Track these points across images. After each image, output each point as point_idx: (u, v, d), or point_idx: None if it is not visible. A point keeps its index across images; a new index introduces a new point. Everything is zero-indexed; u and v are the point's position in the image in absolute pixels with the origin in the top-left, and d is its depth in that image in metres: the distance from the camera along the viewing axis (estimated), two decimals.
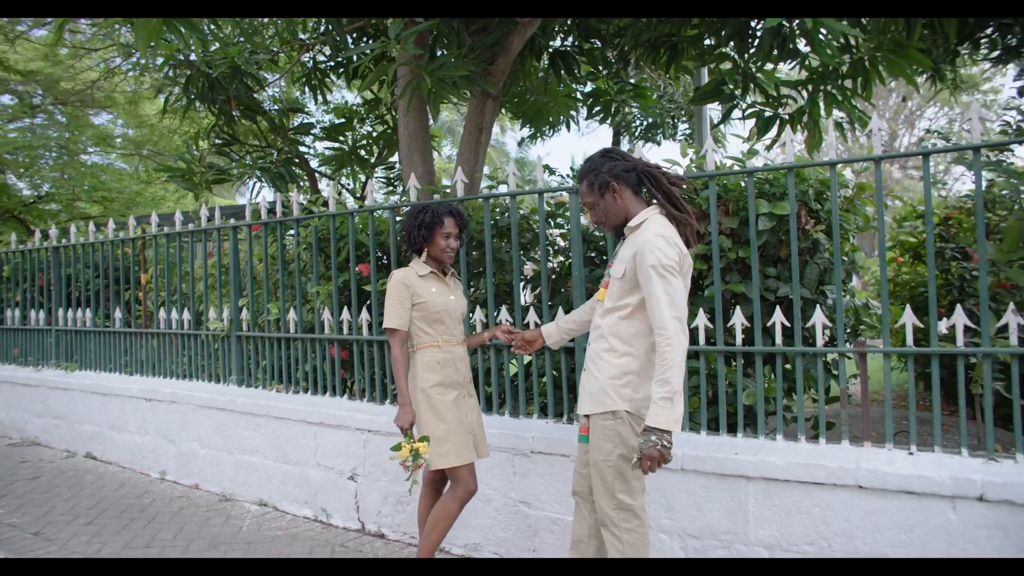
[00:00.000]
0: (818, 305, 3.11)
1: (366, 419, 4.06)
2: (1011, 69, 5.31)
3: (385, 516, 4.00)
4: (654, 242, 2.40)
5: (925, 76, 5.89)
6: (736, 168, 3.32)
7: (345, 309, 4.39)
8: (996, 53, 5.57)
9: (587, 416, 2.59)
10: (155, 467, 5.23)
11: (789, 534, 2.88)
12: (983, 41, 5.55)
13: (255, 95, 6.54)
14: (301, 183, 6.53)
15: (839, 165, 3.12)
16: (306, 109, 7.37)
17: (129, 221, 5.74)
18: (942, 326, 2.86)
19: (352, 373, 4.65)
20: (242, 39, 5.81)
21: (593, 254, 4.11)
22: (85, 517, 4.31)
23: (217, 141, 6.33)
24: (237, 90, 5.88)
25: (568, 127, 6.80)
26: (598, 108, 6.31)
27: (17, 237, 7.00)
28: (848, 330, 3.71)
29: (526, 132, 8.08)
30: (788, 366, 3.45)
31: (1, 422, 6.66)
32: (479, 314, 3.95)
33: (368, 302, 4.40)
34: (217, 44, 6.02)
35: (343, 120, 7.23)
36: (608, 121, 6.29)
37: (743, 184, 3.54)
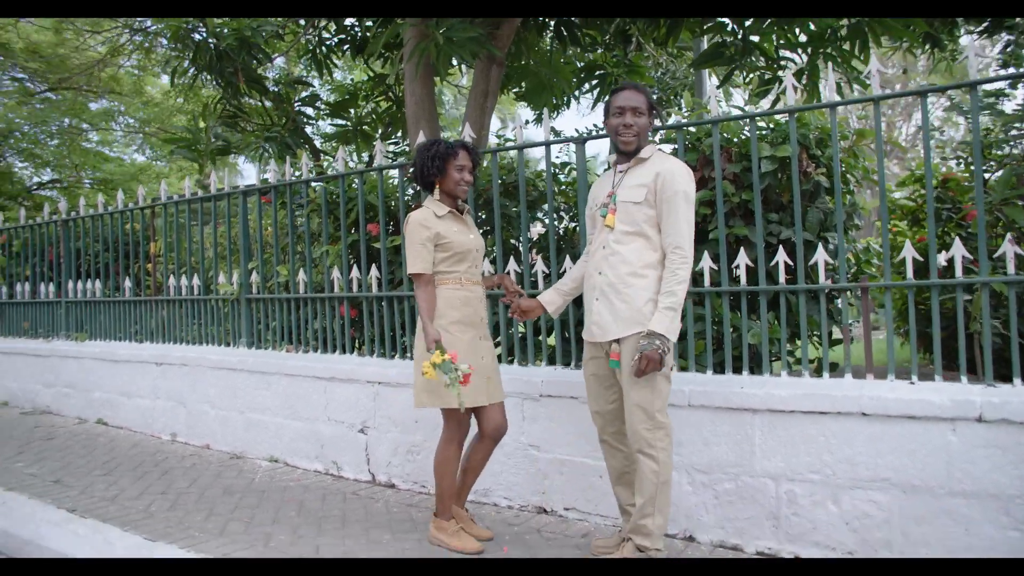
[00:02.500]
0: (820, 244, 3.19)
1: (376, 372, 4.14)
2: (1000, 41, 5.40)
3: (395, 467, 4.07)
4: (682, 170, 2.67)
5: (922, 51, 5.98)
6: (738, 114, 3.40)
7: (355, 268, 4.46)
8: (985, 24, 5.66)
9: (617, 342, 2.70)
10: (166, 430, 5.30)
11: (795, 464, 2.96)
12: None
13: (260, 71, 6.62)
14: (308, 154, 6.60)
15: (839, 109, 3.20)
16: (311, 80, 7.43)
17: (139, 191, 5.80)
18: (941, 259, 2.95)
19: (361, 332, 4.73)
20: None
21: None
22: (101, 469, 4.39)
23: (223, 114, 6.40)
24: (244, 62, 5.95)
25: (569, 103, 6.88)
26: (595, 82, 6.36)
27: (26, 213, 7.08)
28: (850, 273, 3.79)
29: (529, 115, 8.13)
30: (792, 310, 3.54)
31: (13, 393, 6.73)
32: (487, 267, 4.03)
33: (376, 261, 4.48)
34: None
35: (347, 97, 7.31)
36: (604, 98, 6.35)
37: (744, 136, 3.63)
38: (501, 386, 3.21)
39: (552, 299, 3.13)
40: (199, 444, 5.05)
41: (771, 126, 3.50)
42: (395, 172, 4.54)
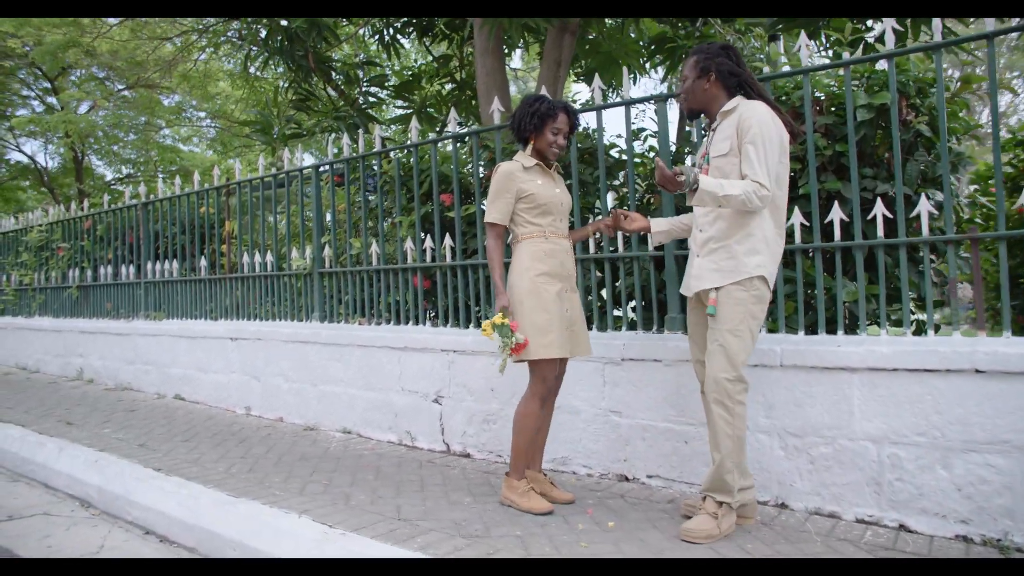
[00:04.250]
0: (923, 194, 2.99)
1: (451, 340, 4.10)
2: None
3: (471, 436, 4.03)
4: (758, 112, 2.62)
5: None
6: (831, 62, 3.23)
7: (428, 238, 4.44)
8: None
9: (716, 289, 2.68)
10: (240, 403, 5.39)
11: (898, 425, 2.78)
12: None
13: (328, 53, 6.69)
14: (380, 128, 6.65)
15: (943, 50, 3.00)
16: (379, 62, 7.46)
17: (214, 171, 5.93)
18: None
19: (434, 304, 4.71)
20: None
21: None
22: (182, 437, 4.48)
23: (294, 98, 6.48)
24: (314, 43, 6.01)
25: (635, 80, 6.75)
26: (662, 56, 6.19)
27: (110, 199, 7.33)
28: (957, 225, 3.54)
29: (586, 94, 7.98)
30: (889, 271, 3.34)
31: (97, 371, 6.98)
32: None
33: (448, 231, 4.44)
34: None
35: (410, 78, 7.33)
36: (676, 70, 6.18)
37: (834, 89, 3.44)
38: (587, 339, 3.16)
39: (661, 225, 3.10)
40: (273, 417, 5.11)
41: (866, 75, 3.31)
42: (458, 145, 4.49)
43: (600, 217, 3.66)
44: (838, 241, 3.11)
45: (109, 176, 14.57)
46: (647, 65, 6.35)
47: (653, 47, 6.03)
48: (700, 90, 2.78)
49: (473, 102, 7.47)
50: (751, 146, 2.57)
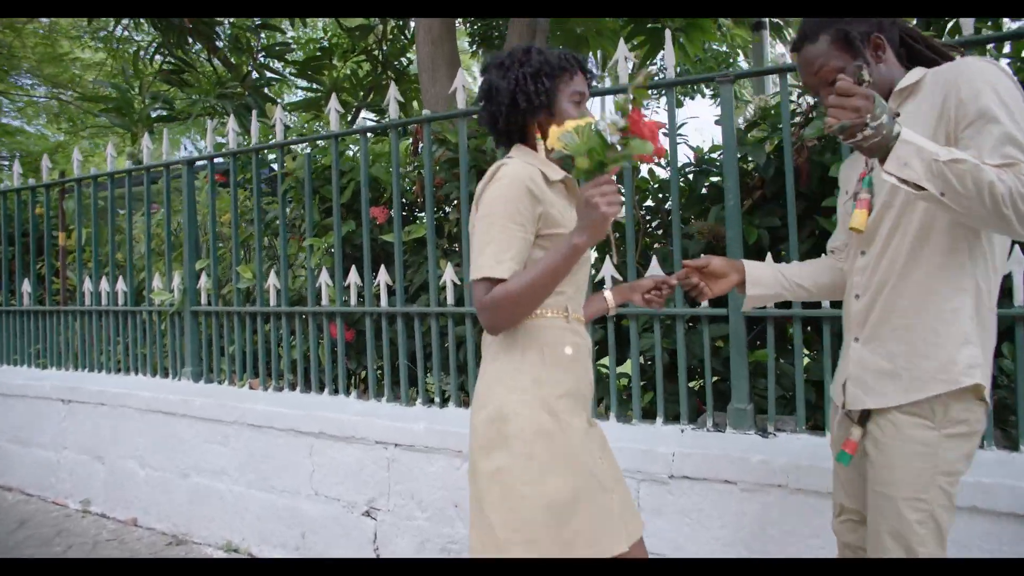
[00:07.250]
0: None
1: (391, 428, 2.76)
2: None
3: None
4: (980, 68, 1.33)
5: None
6: None
7: (353, 270, 3.07)
8: None
9: (868, 417, 1.48)
10: (74, 495, 3.80)
11: None
12: None
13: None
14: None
15: None
16: (278, 27, 5.90)
17: (42, 162, 4.27)
18: None
19: (362, 362, 3.34)
20: None
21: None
22: None
23: (164, 67, 4.88)
24: None
25: (605, 65, 5.64)
26: (641, 38, 5.08)
27: None
28: None
29: None
30: None
31: None
32: None
33: (375, 263, 3.09)
34: None
35: (319, 53, 5.87)
36: (655, 57, 5.10)
37: None
38: (633, 506, 1.66)
39: (761, 275, 1.75)
40: (123, 518, 3.57)
41: None
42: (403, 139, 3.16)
43: (639, 280, 2.08)
44: None
45: None
46: (629, 52, 5.21)
47: (632, 27, 4.88)
48: (881, 70, 1.49)
49: (396, 84, 6.10)
50: (982, 121, 1.29)
